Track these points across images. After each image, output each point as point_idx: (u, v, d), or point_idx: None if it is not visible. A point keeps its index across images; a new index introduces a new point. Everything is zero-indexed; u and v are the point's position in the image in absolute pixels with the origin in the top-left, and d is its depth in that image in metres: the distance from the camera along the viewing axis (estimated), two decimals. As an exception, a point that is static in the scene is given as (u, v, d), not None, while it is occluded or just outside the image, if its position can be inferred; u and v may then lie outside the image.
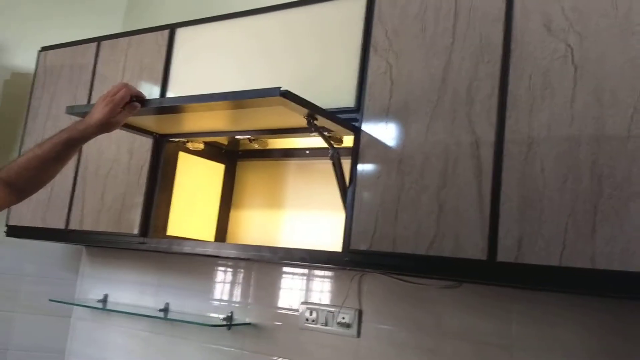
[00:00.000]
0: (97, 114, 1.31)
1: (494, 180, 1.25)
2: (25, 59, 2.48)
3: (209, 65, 1.83)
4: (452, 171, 1.31)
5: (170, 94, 1.90)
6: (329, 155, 1.49)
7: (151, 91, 1.94)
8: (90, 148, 2.05)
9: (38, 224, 2.10)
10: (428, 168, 1.34)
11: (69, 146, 1.32)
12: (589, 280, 1.14)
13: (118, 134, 1.97)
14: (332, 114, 1.42)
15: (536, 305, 1.46)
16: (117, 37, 2.11)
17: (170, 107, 1.51)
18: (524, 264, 1.19)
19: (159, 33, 1.98)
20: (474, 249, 1.24)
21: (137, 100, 1.37)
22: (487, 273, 1.23)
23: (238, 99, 1.37)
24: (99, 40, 2.16)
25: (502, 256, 1.21)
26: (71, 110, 1.57)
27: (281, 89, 1.26)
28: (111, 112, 1.32)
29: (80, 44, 2.21)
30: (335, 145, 1.50)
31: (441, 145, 1.33)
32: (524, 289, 1.45)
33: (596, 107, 1.18)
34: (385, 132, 1.43)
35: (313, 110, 1.37)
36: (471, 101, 1.32)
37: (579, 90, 1.21)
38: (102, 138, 2.00)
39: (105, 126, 1.33)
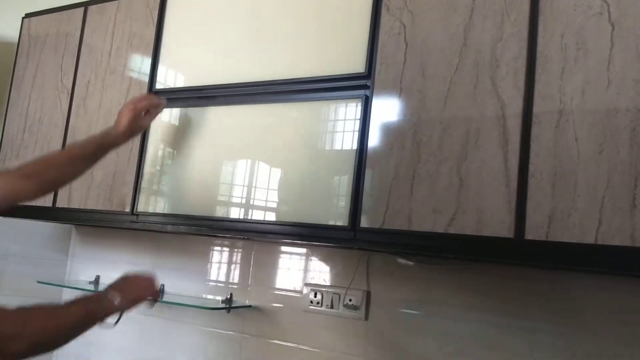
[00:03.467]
0: (124, 122, 1.47)
1: (521, 151, 1.14)
2: (8, 27, 2.33)
3: (203, 30, 1.69)
4: (474, 141, 1.19)
5: (161, 64, 1.76)
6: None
7: (141, 61, 1.81)
8: (78, 123, 1.92)
9: (24, 201, 1.98)
10: (447, 138, 1.22)
11: (99, 150, 1.45)
12: (628, 259, 1.03)
13: (105, 109, 1.85)
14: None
15: (560, 286, 1.36)
16: (105, 2, 1.96)
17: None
18: (556, 242, 1.08)
19: (149, -4, 1.84)
20: (500, 226, 1.13)
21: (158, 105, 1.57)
22: (515, 252, 1.12)
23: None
24: (85, 5, 2.01)
25: (531, 234, 1.10)
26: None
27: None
28: (134, 119, 1.49)
29: (66, 9, 2.06)
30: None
31: (462, 113, 1.21)
32: (548, 269, 1.35)
33: (636, 69, 1.06)
34: (398, 99, 1.31)
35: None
36: (496, 64, 1.19)
37: (616, 50, 1.09)
38: (91, 112, 1.89)
39: (131, 132, 1.50)
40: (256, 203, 1.51)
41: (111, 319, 1.23)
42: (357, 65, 1.38)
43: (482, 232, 1.14)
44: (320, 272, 1.75)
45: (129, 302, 1.26)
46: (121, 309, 1.24)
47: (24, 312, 1.06)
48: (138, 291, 1.30)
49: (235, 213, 1.54)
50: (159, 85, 1.76)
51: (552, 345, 1.36)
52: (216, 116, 1.63)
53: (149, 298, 1.34)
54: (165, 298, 1.99)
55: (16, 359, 1.03)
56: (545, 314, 1.38)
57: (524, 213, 1.11)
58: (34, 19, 2.17)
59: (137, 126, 1.51)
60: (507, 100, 1.17)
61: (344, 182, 1.36)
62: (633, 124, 1.05)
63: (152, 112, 1.56)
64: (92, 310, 1.18)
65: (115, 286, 1.26)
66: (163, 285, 2.03)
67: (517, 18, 1.19)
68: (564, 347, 1.34)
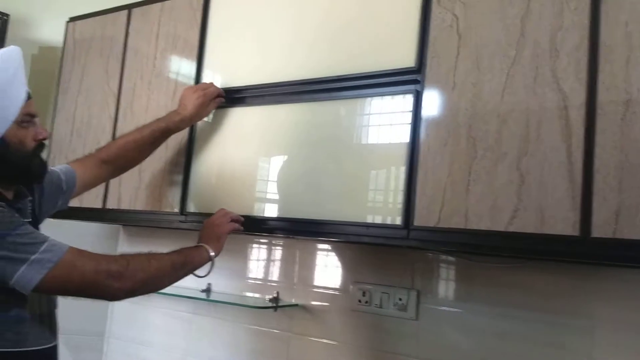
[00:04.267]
0: (191, 108, 1.56)
1: (586, 145, 1.09)
2: (53, 32, 2.37)
3: (248, 30, 1.68)
4: (535, 135, 1.15)
5: (207, 66, 1.76)
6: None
7: (187, 63, 1.81)
8: (126, 124, 1.94)
9: (74, 203, 1.98)
10: (505, 133, 1.18)
11: (165, 135, 1.56)
12: (703, 256, 0.98)
13: (152, 111, 1.86)
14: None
15: (624, 284, 1.31)
16: (149, 4, 1.98)
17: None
18: (624, 240, 1.03)
19: (192, -2, 1.84)
20: (564, 223, 1.09)
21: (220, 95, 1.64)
22: (581, 251, 1.08)
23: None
24: (129, 7, 2.03)
25: (598, 231, 1.06)
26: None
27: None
28: (202, 105, 1.58)
29: (110, 12, 2.09)
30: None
31: (521, 106, 1.17)
32: (612, 266, 1.30)
33: None
34: (452, 94, 1.27)
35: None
36: (556, 55, 1.15)
37: (687, 37, 1.04)
38: (138, 115, 1.91)
39: (196, 117, 1.60)
40: (305, 202, 1.49)
41: (202, 271, 1.38)
42: (407, 59, 1.35)
43: (546, 230, 1.10)
44: (368, 270, 1.73)
45: (219, 247, 1.42)
46: (214, 257, 1.39)
47: (127, 256, 1.22)
48: (220, 231, 1.44)
49: (282, 212, 1.53)
50: (203, 86, 1.76)
51: (613, 345, 1.31)
52: (263, 115, 1.62)
53: (233, 229, 1.47)
54: (212, 297, 2.00)
55: (120, 296, 1.19)
56: (607, 313, 1.33)
57: (589, 210, 1.07)
58: (78, 22, 2.20)
59: (203, 112, 1.60)
60: (569, 92, 1.13)
61: (396, 180, 1.33)
62: None
63: (216, 100, 1.62)
64: (190, 259, 1.34)
65: (204, 239, 1.41)
66: (210, 284, 2.04)
67: (578, 6, 1.14)
68: (628, 347, 1.29)
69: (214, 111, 1.70)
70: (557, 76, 1.14)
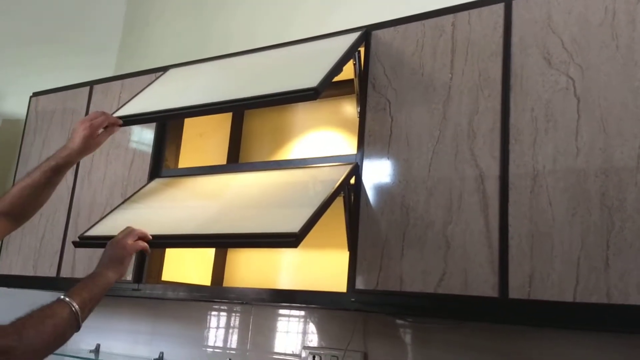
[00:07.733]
0: (78, 140, 1.44)
1: (501, 215, 1.23)
2: (16, 105, 2.46)
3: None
4: (457, 206, 1.28)
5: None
6: (342, 191, 1.44)
7: (146, 134, 1.92)
8: (82, 193, 2.01)
9: (29, 272, 2.03)
10: (433, 203, 1.31)
11: (56, 172, 1.43)
12: (604, 316, 1.10)
13: (109, 180, 1.94)
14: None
15: (549, 343, 1.41)
16: (110, 81, 2.10)
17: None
18: (537, 301, 1.15)
19: (152, 75, 1.97)
20: (485, 286, 1.20)
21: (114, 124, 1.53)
22: (500, 311, 1.19)
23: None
24: (91, 84, 2.14)
25: (514, 293, 1.17)
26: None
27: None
28: (90, 136, 1.46)
29: (72, 88, 2.19)
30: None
31: (445, 180, 1.31)
32: (534, 326, 1.40)
33: (602, 138, 1.17)
34: (387, 168, 1.41)
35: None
36: (473, 135, 1.30)
37: (583, 121, 1.20)
38: (95, 184, 1.98)
39: (85, 149, 1.46)
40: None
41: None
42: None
43: (469, 292, 1.21)
44: (319, 334, 1.79)
45: (122, 270, 1.29)
46: (118, 277, 1.27)
47: (19, 323, 1.07)
48: (124, 253, 1.31)
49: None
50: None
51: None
52: (219, 184, 1.71)
53: (139, 249, 1.36)
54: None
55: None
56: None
57: (506, 273, 1.19)
58: (41, 97, 2.30)
59: (92, 143, 1.47)
60: (485, 168, 1.27)
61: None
62: (602, 189, 1.15)
63: (108, 130, 1.52)
64: (88, 296, 1.17)
65: (104, 263, 1.28)
66: (162, 354, 2.05)
67: (491, 94, 1.31)
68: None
69: (172, 185, 1.78)
70: (474, 154, 1.29)
